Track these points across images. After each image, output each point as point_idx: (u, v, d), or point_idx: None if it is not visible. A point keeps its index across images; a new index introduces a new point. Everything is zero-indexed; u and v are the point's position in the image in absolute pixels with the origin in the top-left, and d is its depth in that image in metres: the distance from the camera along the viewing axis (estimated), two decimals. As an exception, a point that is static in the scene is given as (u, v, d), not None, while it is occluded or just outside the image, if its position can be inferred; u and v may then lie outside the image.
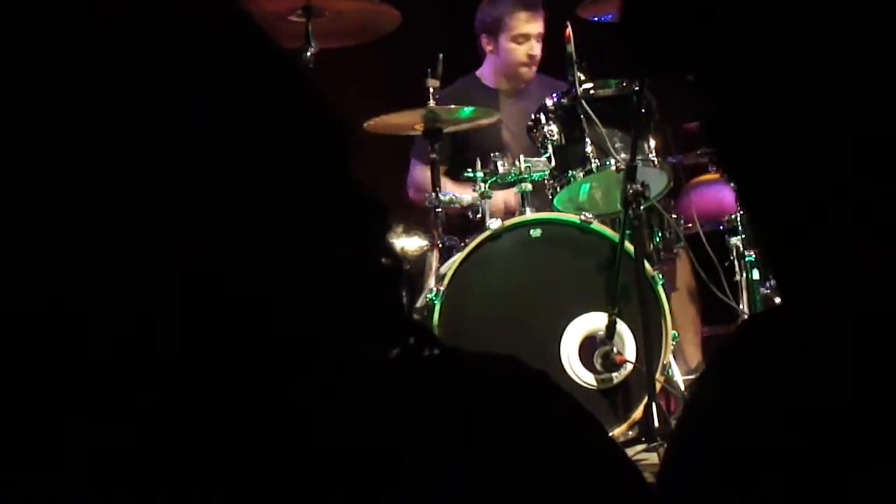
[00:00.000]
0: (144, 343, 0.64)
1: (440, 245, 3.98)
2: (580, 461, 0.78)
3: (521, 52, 4.60)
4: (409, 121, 4.09)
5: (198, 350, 0.65)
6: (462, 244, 3.94)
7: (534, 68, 4.64)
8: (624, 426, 3.80)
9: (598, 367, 3.80)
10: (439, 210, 3.98)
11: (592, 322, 3.83)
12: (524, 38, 4.58)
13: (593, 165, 3.92)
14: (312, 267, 0.70)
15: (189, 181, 0.67)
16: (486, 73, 4.76)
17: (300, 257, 0.70)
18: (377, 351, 0.74)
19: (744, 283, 4.13)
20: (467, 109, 4.14)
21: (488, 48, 4.68)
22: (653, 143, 3.96)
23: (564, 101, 4.00)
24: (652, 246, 4.17)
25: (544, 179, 4.04)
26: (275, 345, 0.67)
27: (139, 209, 0.66)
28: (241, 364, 0.66)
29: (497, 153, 4.09)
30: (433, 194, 3.99)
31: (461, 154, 4.42)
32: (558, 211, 4.02)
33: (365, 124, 3.95)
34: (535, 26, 4.56)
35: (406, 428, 0.72)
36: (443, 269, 3.91)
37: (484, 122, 4.23)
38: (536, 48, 4.58)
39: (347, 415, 0.68)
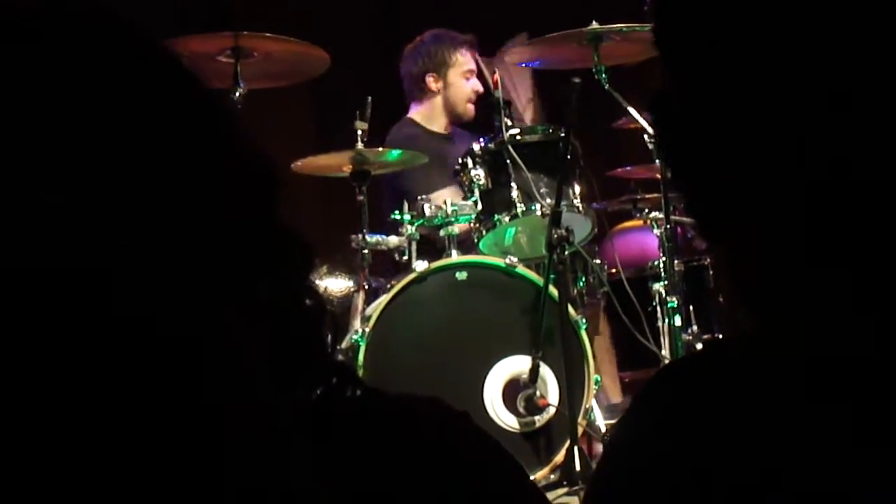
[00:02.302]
0: (71, 386, 0.64)
1: (366, 286, 3.97)
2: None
3: (468, 87, 4.73)
4: (337, 162, 4.08)
5: (127, 393, 0.65)
6: (388, 285, 3.94)
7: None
8: (546, 469, 3.81)
9: (521, 410, 3.81)
10: (366, 251, 3.98)
11: (516, 365, 3.84)
12: (471, 73, 4.74)
13: (519, 210, 3.95)
14: (234, 308, 0.69)
15: (109, 221, 0.67)
16: (423, 115, 4.77)
17: (222, 298, 0.70)
18: (299, 391, 0.74)
19: (665, 329, 4.18)
20: (395, 152, 4.15)
21: (436, 86, 4.73)
22: (577, 189, 4.00)
23: (491, 145, 4.03)
24: (576, 291, 4.20)
25: (470, 223, 4.06)
26: (201, 387, 0.67)
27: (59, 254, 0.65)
28: (166, 407, 0.66)
29: (424, 196, 4.11)
30: (360, 236, 3.99)
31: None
32: (484, 254, 4.04)
33: (293, 165, 3.94)
34: (474, 63, 4.73)
35: (325, 467, 0.72)
36: (368, 311, 3.90)
37: (414, 164, 4.24)
38: (479, 84, 4.72)
39: (264, 456, 0.68)
